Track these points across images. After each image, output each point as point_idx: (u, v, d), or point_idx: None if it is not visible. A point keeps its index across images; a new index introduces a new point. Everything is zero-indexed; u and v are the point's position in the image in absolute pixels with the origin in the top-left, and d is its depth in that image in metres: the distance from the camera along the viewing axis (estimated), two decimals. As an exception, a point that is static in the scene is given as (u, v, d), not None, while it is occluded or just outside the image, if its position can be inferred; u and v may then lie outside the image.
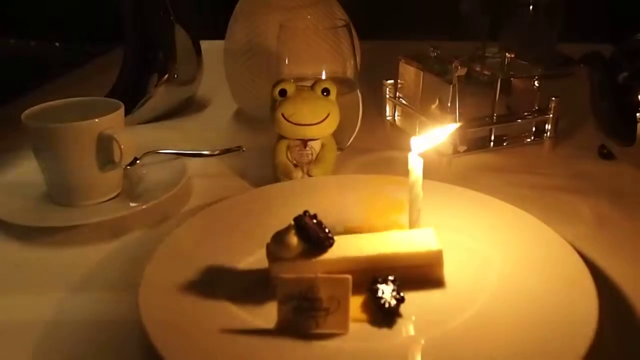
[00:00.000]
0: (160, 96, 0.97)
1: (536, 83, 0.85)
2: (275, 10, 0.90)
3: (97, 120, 0.64)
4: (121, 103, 0.68)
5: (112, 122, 0.65)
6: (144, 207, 0.65)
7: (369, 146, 0.84)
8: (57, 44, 1.97)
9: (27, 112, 0.66)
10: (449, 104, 0.80)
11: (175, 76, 0.98)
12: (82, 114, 0.66)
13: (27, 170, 0.72)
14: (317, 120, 0.68)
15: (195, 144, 0.82)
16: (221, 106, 1.03)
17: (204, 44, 1.03)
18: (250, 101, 0.96)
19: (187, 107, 1.03)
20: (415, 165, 0.54)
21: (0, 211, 0.64)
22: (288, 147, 0.70)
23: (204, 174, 0.77)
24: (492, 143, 0.84)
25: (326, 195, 0.64)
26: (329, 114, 0.69)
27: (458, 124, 0.77)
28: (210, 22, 1.16)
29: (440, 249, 0.51)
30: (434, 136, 0.57)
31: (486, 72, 0.85)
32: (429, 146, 0.55)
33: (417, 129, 0.87)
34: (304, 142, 0.70)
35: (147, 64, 0.97)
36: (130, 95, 0.95)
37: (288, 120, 0.68)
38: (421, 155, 0.54)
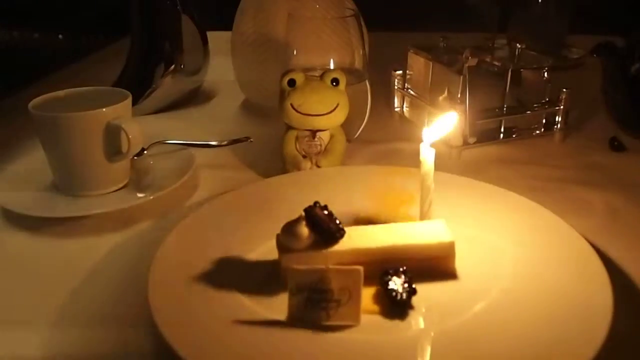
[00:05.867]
0: (167, 87, 0.96)
1: (546, 74, 0.85)
2: (283, -1, 0.89)
3: (104, 109, 0.63)
4: (128, 93, 0.67)
5: (120, 111, 0.64)
6: (151, 197, 0.64)
7: (378, 137, 0.83)
8: (60, 35, 1.97)
9: (34, 101, 0.65)
10: (458, 95, 0.79)
11: (182, 67, 0.97)
12: (89, 103, 0.65)
13: (34, 160, 0.72)
14: (326, 110, 0.68)
15: (202, 135, 0.82)
16: (228, 97, 1.03)
17: (211, 35, 1.02)
18: (258, 91, 0.95)
19: (194, 97, 1.02)
20: (427, 157, 0.53)
21: (8, 201, 0.64)
22: (297, 138, 0.70)
23: (212, 164, 0.76)
24: (502, 135, 0.83)
25: (335, 187, 0.63)
26: (338, 104, 0.68)
27: (464, 115, 0.77)
28: (216, 13, 1.15)
29: (452, 240, 0.51)
30: (443, 124, 0.56)
31: (496, 63, 0.84)
32: (439, 136, 0.54)
33: (426, 120, 0.86)
34: (313, 133, 0.69)
35: (154, 54, 0.96)
36: (136, 85, 0.94)
37: (297, 111, 0.67)
38: (432, 146, 0.53)
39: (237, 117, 0.97)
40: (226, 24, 1.00)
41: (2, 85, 1.12)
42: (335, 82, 0.69)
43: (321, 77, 0.69)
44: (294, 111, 0.67)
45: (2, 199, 0.65)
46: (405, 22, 1.37)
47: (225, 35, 0.99)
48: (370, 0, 1.04)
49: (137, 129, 0.64)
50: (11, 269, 0.57)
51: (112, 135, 0.64)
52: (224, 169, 0.76)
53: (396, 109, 0.93)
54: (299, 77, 0.68)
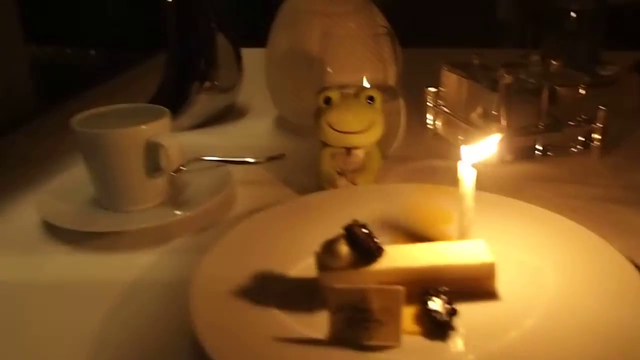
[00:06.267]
0: (202, 103, 0.98)
1: (582, 91, 0.84)
2: (317, 17, 0.90)
3: (144, 127, 0.64)
4: (167, 110, 0.68)
5: (159, 128, 0.66)
6: (189, 214, 0.65)
7: (411, 154, 0.83)
8: (92, 51, 2.01)
9: (76, 117, 0.67)
10: (493, 113, 0.79)
11: (217, 83, 0.98)
12: (129, 120, 0.67)
13: (75, 174, 0.73)
14: (362, 128, 0.68)
15: (236, 151, 0.82)
16: (261, 113, 1.03)
17: (245, 51, 1.04)
18: (291, 108, 0.96)
19: (228, 114, 1.03)
20: (466, 176, 0.53)
21: (50, 215, 0.65)
22: (332, 155, 0.70)
23: (248, 180, 0.77)
24: (538, 152, 0.83)
25: (372, 204, 0.63)
26: (374, 122, 0.68)
27: (503, 134, 0.76)
28: (250, 29, 1.16)
29: (492, 261, 0.50)
30: (485, 146, 0.56)
31: (531, 80, 0.84)
32: (481, 157, 0.54)
33: (460, 137, 0.86)
34: (349, 150, 0.69)
35: (189, 71, 0.98)
36: (172, 102, 0.95)
37: (333, 128, 0.67)
38: (473, 165, 0.53)
39: (271, 133, 0.98)
40: (260, 41, 1.01)
41: (42, 101, 1.15)
42: (371, 99, 0.69)
43: (357, 94, 0.69)
44: (329, 129, 0.68)
45: (44, 212, 0.66)
46: (437, 38, 1.37)
47: (258, 52, 1.00)
48: (402, 17, 1.04)
49: (176, 145, 0.65)
50: (51, 282, 0.58)
51: (152, 152, 0.65)
52: (260, 185, 0.77)
53: (429, 126, 0.93)
54: (334, 95, 0.69)
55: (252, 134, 0.96)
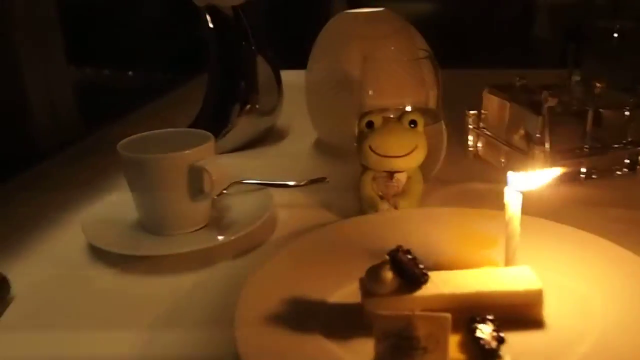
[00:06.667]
0: (242, 126, 0.99)
1: (628, 113, 0.82)
2: (358, 41, 0.91)
3: (189, 152, 0.66)
4: (211, 135, 0.69)
5: (204, 153, 0.67)
6: (232, 238, 0.66)
7: (453, 177, 0.82)
8: (130, 72, 2.06)
9: (122, 143, 0.68)
10: (537, 135, 0.78)
11: (257, 106, 1.00)
12: (174, 144, 0.68)
13: (119, 197, 0.75)
14: (404, 152, 0.68)
15: (276, 173, 0.83)
16: (301, 135, 1.04)
17: (284, 73, 1.04)
18: (331, 131, 0.96)
19: (267, 136, 1.04)
20: (513, 201, 0.53)
21: (95, 238, 0.67)
22: (374, 179, 0.70)
23: (288, 204, 0.77)
24: (582, 175, 0.81)
25: (415, 229, 0.63)
26: (416, 146, 0.68)
27: (562, 170, 0.76)
28: (290, 51, 1.17)
29: (540, 287, 0.49)
30: (538, 177, 0.55)
31: (575, 103, 0.83)
32: (532, 187, 0.53)
33: (502, 160, 0.85)
34: (391, 174, 0.69)
35: (230, 94, 0.99)
36: (213, 125, 0.97)
37: (375, 152, 0.67)
38: (521, 191, 0.52)
39: (310, 155, 0.98)
40: (299, 63, 1.02)
41: (86, 123, 1.18)
42: (413, 123, 0.69)
43: (399, 118, 0.69)
44: (372, 153, 0.68)
45: (89, 235, 0.67)
46: (476, 58, 1.37)
47: (297, 73, 1.01)
48: (440, 38, 1.04)
49: (220, 170, 0.66)
50: (95, 304, 0.59)
51: (196, 176, 0.66)
52: (301, 208, 0.77)
53: (470, 149, 0.92)
54: (377, 119, 0.69)
55: (292, 156, 0.97)
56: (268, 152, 1.00)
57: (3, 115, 1.02)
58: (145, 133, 0.72)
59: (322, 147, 1.00)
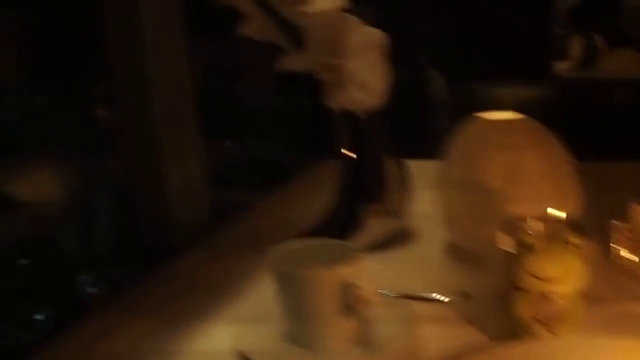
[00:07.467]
0: (372, 228, 0.98)
1: None
2: (497, 148, 0.89)
3: (341, 269, 0.66)
4: (363, 250, 0.69)
5: (356, 270, 0.66)
6: (379, 356, 0.64)
7: (604, 295, 0.77)
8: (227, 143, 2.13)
9: (272, 253, 0.69)
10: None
11: (386, 206, 0.99)
12: (324, 256, 0.69)
13: (260, 302, 0.76)
14: (561, 274, 0.65)
15: (409, 281, 0.81)
16: (432, 238, 1.01)
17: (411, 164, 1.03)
18: (467, 237, 0.94)
19: (395, 238, 1.02)
20: None
21: (245, 347, 0.67)
22: (526, 300, 0.67)
23: (429, 318, 0.75)
24: None
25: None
26: (574, 268, 0.65)
27: None
28: (414, 142, 1.17)
29: None
30: None
31: None
32: None
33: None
34: (546, 296, 0.66)
35: (360, 194, 0.99)
36: (342, 227, 0.97)
37: (533, 276, 0.65)
38: None
39: (444, 262, 0.95)
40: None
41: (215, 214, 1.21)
42: (571, 242, 0.66)
43: (555, 237, 0.67)
44: (527, 275, 0.65)
45: (242, 345, 0.68)
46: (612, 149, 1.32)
47: (425, 165, 0.99)
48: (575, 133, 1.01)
49: (370, 288, 0.65)
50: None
51: (347, 293, 0.66)
52: (443, 324, 0.74)
53: (617, 262, 0.87)
54: (531, 239, 0.66)
55: (424, 262, 0.94)
56: (397, 255, 0.97)
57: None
58: (293, 244, 0.72)
59: (454, 252, 0.96)
